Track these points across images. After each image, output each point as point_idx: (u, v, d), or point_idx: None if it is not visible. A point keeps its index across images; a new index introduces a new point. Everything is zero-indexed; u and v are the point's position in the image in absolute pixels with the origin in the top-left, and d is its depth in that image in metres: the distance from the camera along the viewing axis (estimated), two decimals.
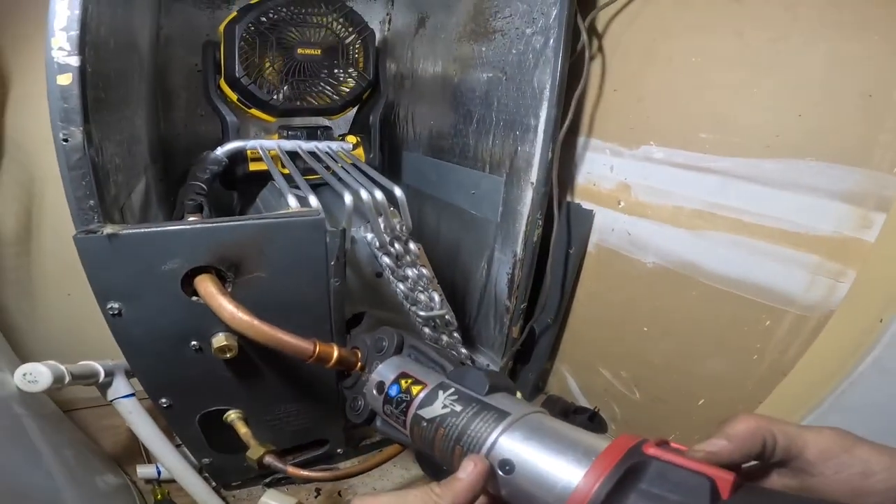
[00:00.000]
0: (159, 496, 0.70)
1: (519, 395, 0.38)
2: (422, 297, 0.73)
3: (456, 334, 0.79)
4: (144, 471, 0.71)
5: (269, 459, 0.51)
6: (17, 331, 0.68)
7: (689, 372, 0.70)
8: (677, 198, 0.67)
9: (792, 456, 0.27)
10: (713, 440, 0.27)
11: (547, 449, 0.28)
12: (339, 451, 0.78)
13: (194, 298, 0.49)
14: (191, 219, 0.60)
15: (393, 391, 0.39)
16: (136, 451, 0.73)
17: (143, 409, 0.62)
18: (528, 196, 0.75)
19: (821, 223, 0.55)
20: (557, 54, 0.67)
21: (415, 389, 0.38)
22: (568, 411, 0.84)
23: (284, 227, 0.50)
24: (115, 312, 0.47)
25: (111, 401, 0.60)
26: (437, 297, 0.74)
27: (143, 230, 0.44)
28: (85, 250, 0.43)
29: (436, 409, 0.35)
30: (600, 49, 0.74)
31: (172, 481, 0.70)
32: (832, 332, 0.54)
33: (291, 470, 0.51)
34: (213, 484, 0.72)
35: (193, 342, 0.52)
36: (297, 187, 0.62)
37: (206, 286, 0.47)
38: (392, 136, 1.05)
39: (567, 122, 0.71)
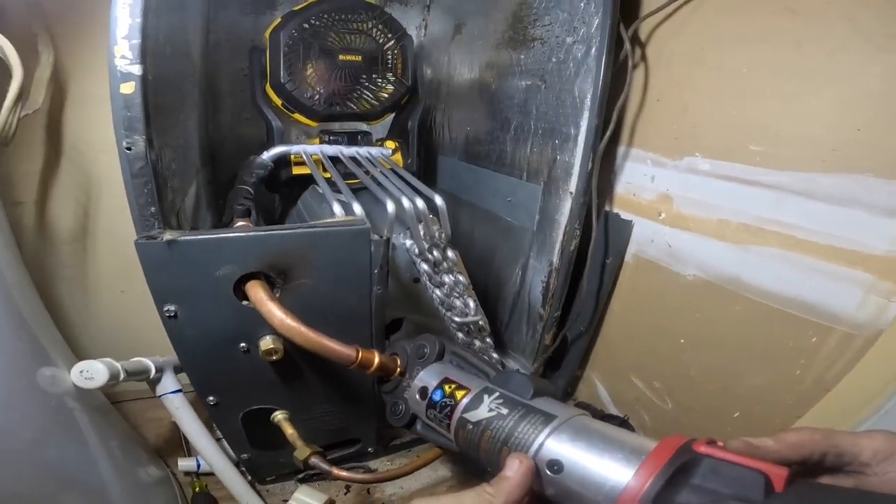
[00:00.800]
0: (197, 488, 0.72)
1: None
2: (457, 302, 0.74)
3: (489, 339, 0.79)
4: (185, 464, 0.73)
5: (314, 460, 0.53)
6: (72, 327, 0.71)
7: (727, 385, 0.68)
8: (724, 211, 0.66)
9: (846, 462, 0.28)
10: (760, 438, 0.28)
11: (595, 449, 0.29)
12: (370, 449, 0.80)
13: (245, 303, 0.51)
14: (240, 223, 0.62)
15: (437, 396, 0.40)
16: (177, 444, 0.76)
17: (189, 405, 0.64)
18: (566, 206, 0.75)
19: (876, 241, 0.53)
20: (600, 63, 0.66)
21: (459, 394, 0.39)
22: (596, 418, 0.83)
23: (331, 235, 0.51)
24: (171, 314, 0.49)
25: (160, 396, 0.63)
26: (471, 304, 0.74)
27: (200, 237, 0.46)
28: (145, 255, 0.45)
29: (481, 413, 0.36)
30: (643, 58, 0.73)
31: (210, 474, 0.73)
32: (880, 352, 0.53)
33: (336, 472, 0.52)
34: (249, 478, 0.74)
35: (242, 344, 0.53)
36: (340, 192, 0.63)
37: (257, 292, 0.48)
38: (428, 141, 1.06)
39: (609, 132, 0.70)
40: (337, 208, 0.58)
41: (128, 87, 0.44)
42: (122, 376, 0.54)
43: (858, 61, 0.53)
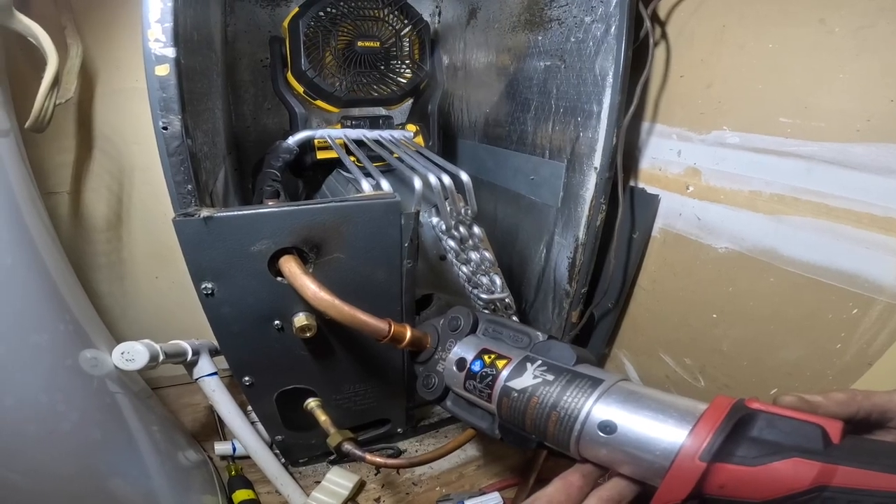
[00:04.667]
0: (233, 472, 0.73)
1: None
2: (483, 279, 0.74)
3: (515, 318, 0.79)
4: (221, 447, 0.74)
5: (347, 447, 0.53)
6: (109, 313, 0.73)
7: (763, 360, 0.67)
8: (755, 182, 0.64)
9: (888, 419, 0.29)
10: (810, 394, 0.29)
11: (648, 409, 0.30)
12: (399, 430, 0.80)
13: (279, 279, 0.51)
14: (270, 203, 0.62)
15: (476, 366, 0.40)
16: (212, 429, 0.77)
17: (224, 387, 0.65)
18: (591, 181, 0.74)
19: None
20: (620, 41, 0.66)
21: (500, 363, 0.39)
22: None
23: (363, 209, 0.52)
24: (209, 292, 0.50)
25: (196, 379, 0.64)
26: (498, 281, 0.74)
27: (236, 212, 0.47)
28: (183, 232, 0.46)
29: (526, 380, 0.36)
30: (664, 36, 0.72)
31: (245, 458, 0.74)
32: None
33: (370, 458, 0.52)
34: (283, 460, 0.75)
35: (276, 322, 0.54)
36: (368, 173, 0.63)
37: (291, 266, 0.49)
38: (446, 125, 1.05)
39: (632, 108, 0.70)
40: (366, 185, 0.58)
41: (162, 70, 0.44)
42: (161, 358, 0.55)
43: (884, 37, 0.51)
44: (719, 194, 0.68)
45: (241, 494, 0.69)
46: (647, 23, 0.68)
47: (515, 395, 0.36)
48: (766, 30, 0.61)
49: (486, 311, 0.76)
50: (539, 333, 0.41)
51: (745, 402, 0.28)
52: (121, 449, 0.52)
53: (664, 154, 0.74)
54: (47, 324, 0.47)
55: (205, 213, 0.46)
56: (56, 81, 0.46)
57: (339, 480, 0.71)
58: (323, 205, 0.49)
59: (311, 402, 0.60)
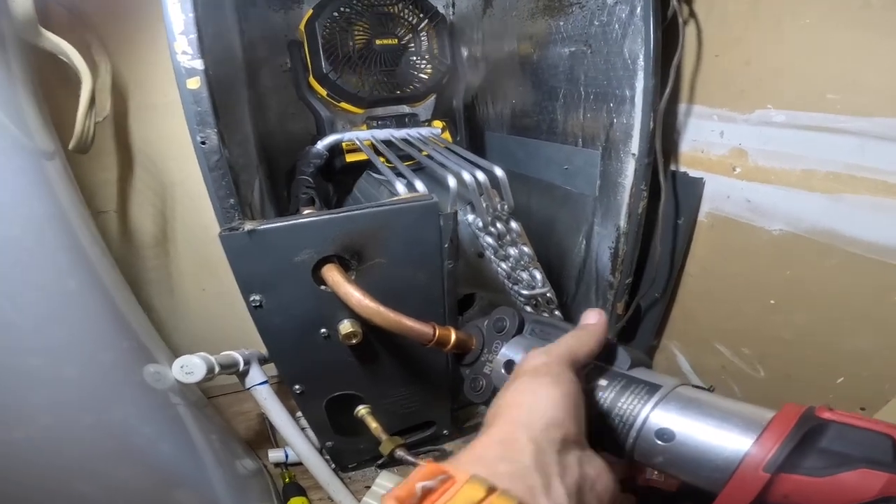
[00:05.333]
0: (287, 479, 0.74)
1: None
2: (524, 275, 0.72)
3: (557, 312, 0.77)
4: (275, 455, 0.76)
5: (400, 453, 0.54)
6: (162, 327, 0.75)
7: (827, 347, 0.63)
8: (807, 161, 0.61)
9: None
10: None
11: (709, 417, 0.29)
12: (444, 432, 0.80)
13: (323, 287, 0.51)
14: (306, 212, 0.62)
15: None
16: (265, 436, 0.79)
17: (275, 395, 0.66)
18: (629, 168, 0.71)
19: None
20: (648, 22, 0.63)
21: None
22: None
23: (401, 212, 0.51)
24: (257, 304, 0.50)
25: (248, 388, 0.65)
26: (538, 276, 0.72)
27: (278, 224, 0.47)
28: (229, 246, 0.46)
29: None
30: (693, 15, 0.69)
31: (297, 464, 0.75)
32: None
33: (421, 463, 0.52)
34: (333, 466, 0.76)
35: (323, 330, 0.54)
36: (400, 174, 0.62)
37: (334, 275, 0.48)
38: (472, 118, 1.03)
39: (668, 91, 0.66)
40: (400, 187, 0.58)
41: (194, 83, 0.44)
42: (217, 370, 0.56)
43: None
44: (769, 175, 0.65)
45: (296, 502, 0.70)
46: (675, 2, 0.65)
47: None
48: (800, 5, 0.58)
49: (528, 308, 0.75)
50: None
51: (815, 411, 0.27)
52: (186, 460, 0.53)
53: (705, 136, 0.71)
54: (112, 342, 0.48)
55: (248, 226, 0.46)
56: (93, 100, 0.46)
57: (387, 485, 0.71)
58: (360, 211, 0.49)
59: (362, 410, 0.60)
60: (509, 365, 0.41)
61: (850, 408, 0.60)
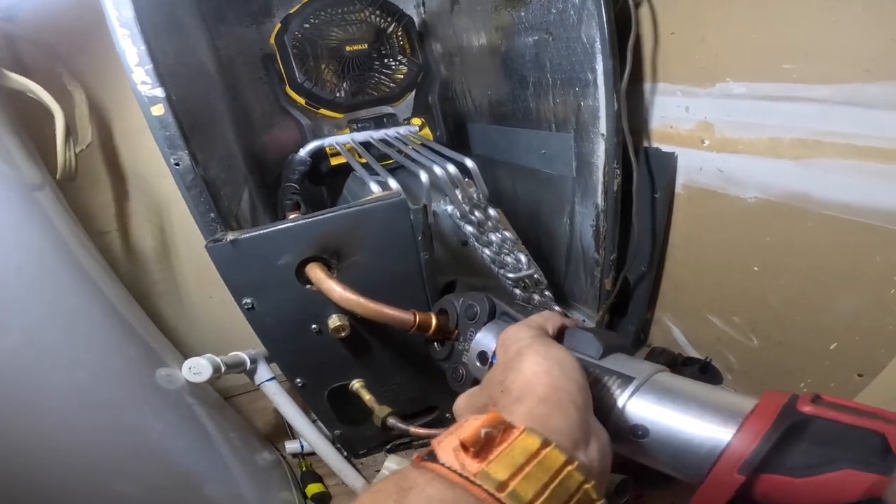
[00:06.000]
0: (304, 468, 0.78)
1: None
2: (508, 259, 0.75)
3: (547, 293, 0.79)
4: (291, 446, 0.80)
5: (391, 421, 0.56)
6: (175, 333, 0.80)
7: (816, 311, 0.63)
8: (772, 129, 0.62)
9: None
10: None
11: (684, 409, 0.27)
12: (447, 415, 0.83)
13: (308, 286, 0.55)
14: (291, 216, 0.66)
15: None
16: (282, 429, 0.84)
17: (283, 391, 0.70)
18: (600, 148, 0.73)
19: None
20: (599, 5, 0.64)
21: None
22: (675, 363, 0.80)
23: (371, 211, 0.54)
24: (249, 307, 0.54)
25: (258, 385, 0.70)
26: (523, 258, 0.75)
27: (256, 232, 0.50)
28: (216, 256, 0.50)
29: None
30: None
31: (312, 454, 0.80)
32: None
33: (413, 430, 0.55)
34: (345, 454, 0.80)
35: (314, 325, 0.58)
36: (377, 174, 0.65)
37: (316, 273, 0.52)
38: (454, 112, 1.05)
39: (627, 71, 0.68)
40: (374, 187, 0.61)
41: (158, 110, 0.48)
42: (223, 369, 0.60)
43: None
44: (737, 145, 0.66)
45: (313, 488, 0.74)
46: None
47: None
48: None
49: (518, 291, 0.77)
50: (571, 314, 0.38)
51: (797, 403, 0.25)
52: (206, 455, 0.57)
53: (672, 112, 0.73)
54: (119, 349, 0.52)
55: (230, 236, 0.49)
56: (69, 131, 0.50)
57: (395, 467, 0.75)
58: (333, 213, 0.52)
59: (356, 384, 0.63)
60: (482, 357, 0.40)
61: (846, 375, 0.61)
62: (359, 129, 0.86)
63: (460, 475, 0.21)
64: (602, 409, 0.29)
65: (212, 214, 0.50)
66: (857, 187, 0.56)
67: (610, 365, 0.31)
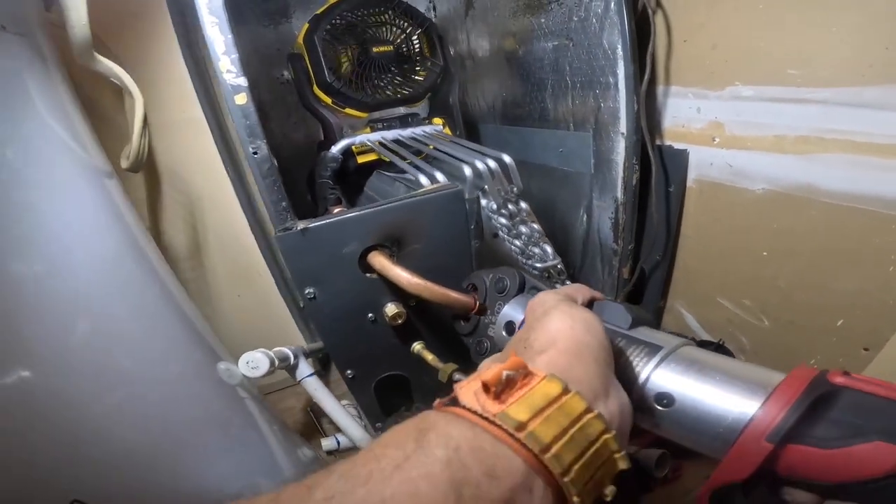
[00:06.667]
0: None
1: None
2: (535, 250, 0.78)
3: (568, 282, 0.84)
4: (327, 443, 0.79)
5: (458, 376, 0.55)
6: None
7: (822, 291, 0.69)
8: (778, 128, 0.68)
9: None
10: None
11: (711, 380, 0.27)
12: None
13: (368, 275, 0.56)
14: (336, 210, 0.67)
15: None
16: (312, 428, 0.83)
17: (324, 386, 0.71)
18: (620, 145, 0.78)
19: None
20: (622, 15, 0.70)
21: None
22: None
23: (433, 201, 0.56)
24: (311, 297, 0.55)
25: (299, 381, 0.69)
26: (549, 249, 0.79)
27: (328, 221, 0.52)
28: (284, 245, 0.51)
29: None
30: (659, 5, 0.76)
31: (346, 451, 0.80)
32: None
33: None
34: None
35: (370, 314, 0.59)
36: (420, 169, 0.68)
37: (381, 260, 0.54)
38: (464, 113, 1.09)
39: (647, 75, 0.74)
40: (424, 179, 0.63)
41: (241, 98, 0.49)
42: (276, 363, 0.60)
43: None
44: (745, 142, 0.73)
45: None
46: None
47: None
48: None
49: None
50: None
51: (827, 376, 0.25)
52: (260, 452, 0.57)
53: (684, 112, 0.79)
54: (188, 344, 0.52)
55: (300, 225, 0.51)
56: (145, 119, 0.50)
57: None
58: (397, 203, 0.54)
59: (417, 346, 0.63)
60: (509, 327, 0.41)
61: (853, 350, 0.65)
62: (383, 129, 0.88)
63: (480, 416, 0.21)
64: (628, 377, 0.30)
65: (283, 203, 0.51)
66: (856, 178, 0.62)
67: (638, 335, 0.32)
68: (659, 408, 0.28)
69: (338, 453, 0.80)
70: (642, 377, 0.29)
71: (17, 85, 0.35)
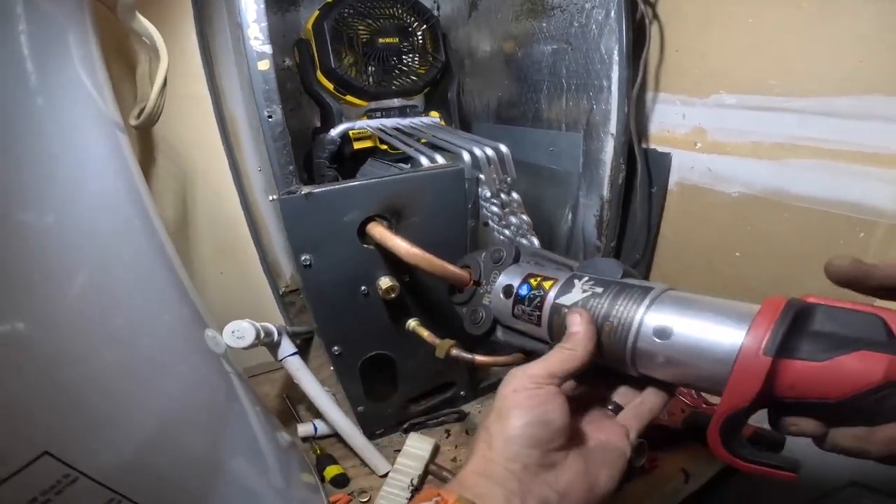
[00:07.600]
0: (318, 451, 0.76)
1: None
2: (524, 241, 0.80)
3: None
4: (304, 429, 0.77)
5: (455, 352, 0.55)
6: None
7: (793, 290, 0.71)
8: (755, 135, 0.73)
9: None
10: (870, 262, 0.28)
11: (703, 312, 0.29)
12: (462, 393, 0.86)
13: (365, 245, 0.57)
14: None
15: (524, 290, 0.40)
16: (288, 415, 0.81)
17: (305, 366, 0.69)
18: (609, 146, 0.82)
19: None
20: (621, 23, 0.74)
21: (547, 284, 0.39)
22: None
23: (436, 177, 0.58)
24: (307, 264, 0.55)
25: (281, 360, 0.68)
26: (536, 242, 0.81)
27: (331, 187, 0.52)
28: (287, 209, 0.51)
29: (575, 295, 0.36)
30: (656, 16, 0.81)
31: (324, 437, 0.78)
32: None
33: (479, 359, 0.53)
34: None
35: (363, 287, 0.60)
36: (421, 152, 0.69)
37: (380, 230, 0.54)
38: (459, 112, 1.12)
39: (639, 80, 0.78)
40: (425, 161, 0.65)
41: (264, 65, 0.50)
42: (262, 335, 0.59)
43: (844, 8, 0.61)
44: (725, 147, 0.78)
45: (332, 470, 0.72)
46: (642, 6, 0.78)
47: (566, 310, 0.35)
48: (745, 7, 0.71)
49: None
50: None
51: (803, 297, 0.27)
52: (243, 427, 0.55)
53: (670, 118, 0.84)
54: (176, 305, 0.50)
55: (305, 189, 0.51)
56: (166, 80, 0.50)
57: (418, 444, 0.75)
58: (404, 175, 0.56)
59: (412, 323, 0.62)
60: (508, 290, 0.42)
61: None
62: (382, 118, 0.89)
63: None
64: (626, 319, 0.32)
65: (291, 167, 0.52)
66: (825, 183, 0.67)
67: (630, 282, 0.35)
68: (658, 341, 0.30)
69: (314, 440, 0.78)
70: (640, 315, 0.31)
71: (58, 35, 0.35)
